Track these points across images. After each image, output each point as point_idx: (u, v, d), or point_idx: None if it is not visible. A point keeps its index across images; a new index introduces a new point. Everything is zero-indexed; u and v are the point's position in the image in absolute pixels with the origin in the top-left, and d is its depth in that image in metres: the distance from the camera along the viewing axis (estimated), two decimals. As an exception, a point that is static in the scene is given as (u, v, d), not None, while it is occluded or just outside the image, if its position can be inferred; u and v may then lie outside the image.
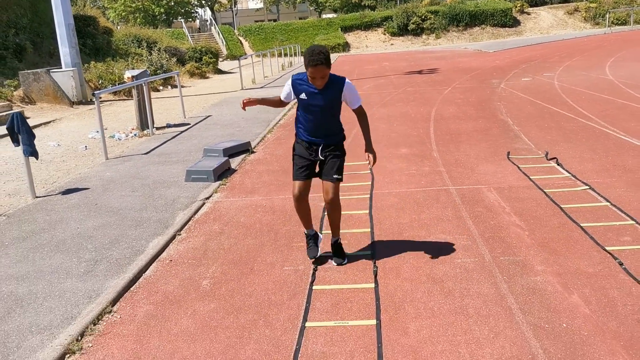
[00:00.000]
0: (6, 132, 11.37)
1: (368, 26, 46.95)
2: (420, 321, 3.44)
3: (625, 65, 18.06)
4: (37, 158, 6.74)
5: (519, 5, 48.30)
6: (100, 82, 17.62)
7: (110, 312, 3.83)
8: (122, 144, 9.95)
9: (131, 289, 4.19)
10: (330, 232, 4.40)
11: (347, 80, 4.02)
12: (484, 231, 4.82)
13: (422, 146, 8.20)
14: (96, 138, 10.69)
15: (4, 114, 12.95)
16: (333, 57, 36.15)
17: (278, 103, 4.29)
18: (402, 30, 45.73)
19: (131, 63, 20.43)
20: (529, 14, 49.04)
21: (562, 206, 5.28)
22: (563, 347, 3.07)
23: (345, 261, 4.29)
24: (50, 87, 14.99)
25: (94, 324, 3.64)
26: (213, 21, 48.29)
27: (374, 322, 3.47)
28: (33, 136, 6.63)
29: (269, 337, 3.37)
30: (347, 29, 46.69)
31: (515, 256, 4.28)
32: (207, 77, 25.04)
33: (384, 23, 46.54)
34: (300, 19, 58.41)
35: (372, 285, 3.95)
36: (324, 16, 58.07)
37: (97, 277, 4.33)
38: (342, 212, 4.29)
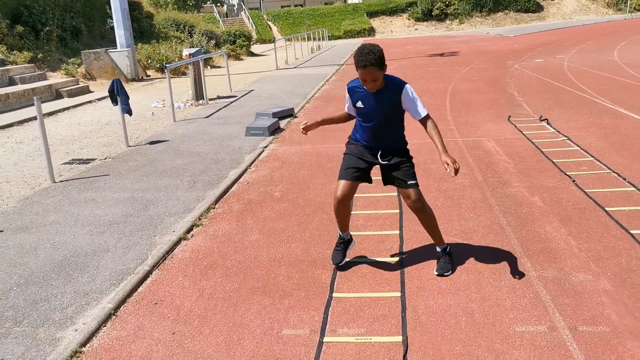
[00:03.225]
0: (84, 101, 13.30)
1: (393, 12, 48.15)
2: (428, 211, 5.10)
3: (633, 48, 19.28)
4: (130, 115, 8.50)
5: (542, -10, 48.93)
6: (149, 61, 19.46)
7: (214, 207, 5.57)
8: (182, 111, 11.70)
9: (224, 197, 5.92)
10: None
11: (407, 85, 3.59)
12: (480, 164, 6.45)
13: (438, 112, 9.80)
14: (158, 107, 12.48)
15: (74, 87, 14.85)
16: (358, 42, 37.56)
17: (345, 118, 3.95)
18: (426, 16, 46.83)
19: (173, 45, 22.23)
20: (552, -1, 49.67)
21: (542, 150, 6.87)
22: (520, 220, 4.71)
23: (450, 273, 3.85)
24: (108, 65, 16.84)
25: (206, 212, 5.38)
26: (243, 6, 49.93)
27: (397, 211, 5.14)
28: (128, 97, 8.37)
29: (328, 218, 5.06)
30: (372, 14, 47.95)
31: (500, 178, 5.91)
32: (241, 59, 26.76)
33: (409, 9, 47.67)
34: (326, 4, 59.66)
35: (396, 194, 5.62)
36: (349, 1, 59.25)
37: (198, 190, 6.08)
38: None
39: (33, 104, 12.87)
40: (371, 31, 45.50)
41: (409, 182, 3.72)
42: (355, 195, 4.03)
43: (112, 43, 20.31)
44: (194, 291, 3.85)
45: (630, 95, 10.25)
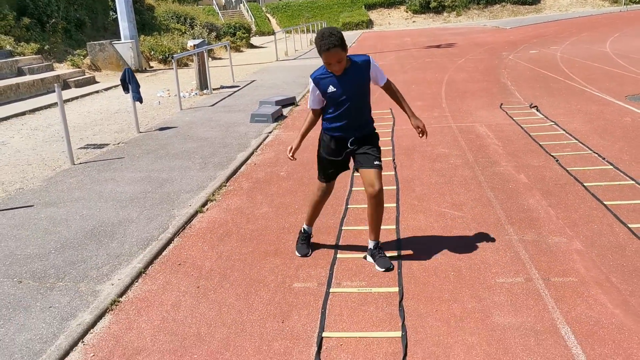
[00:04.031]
0: (92, 90, 13.72)
1: (391, 4, 48.40)
2: (422, 187, 5.57)
3: (625, 39, 19.74)
4: (141, 102, 8.94)
5: (539, -17, 49.18)
6: (152, 53, 19.84)
7: (226, 185, 6.03)
8: (187, 100, 12.13)
9: (234, 176, 6.38)
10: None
11: (371, 58, 3.69)
12: (472, 147, 6.91)
13: (434, 100, 10.25)
14: (164, 96, 12.91)
15: (80, 78, 15.26)
16: (356, 33, 37.91)
17: (314, 119, 3.93)
18: (424, 8, 47.10)
19: (175, 38, 22.60)
20: (549, -9, 49.92)
21: (530, 134, 7.34)
22: (506, 194, 5.19)
23: (392, 266, 3.90)
24: (113, 57, 17.24)
25: (219, 190, 5.84)
26: (241, -2, 50.16)
27: (394, 187, 5.61)
28: (139, 86, 8.81)
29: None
30: (370, 6, 48.23)
31: (489, 158, 6.37)
32: (242, 51, 27.12)
33: (407, 1, 47.93)
34: (324, -4, 59.83)
35: (393, 172, 6.08)
36: (347, -6, 59.33)
37: (209, 170, 6.54)
38: None
39: (42, 94, 13.35)
40: (369, 23, 45.81)
41: (374, 162, 3.71)
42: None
43: (114, 35, 20.68)
44: (213, 254, 4.32)
45: (617, 83, 10.72)
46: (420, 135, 3.82)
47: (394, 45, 24.83)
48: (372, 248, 3.97)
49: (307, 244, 4.23)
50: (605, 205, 4.75)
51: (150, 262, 4.20)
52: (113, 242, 4.56)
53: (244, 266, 4.07)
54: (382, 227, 4.56)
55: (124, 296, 3.73)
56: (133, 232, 4.75)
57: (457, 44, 23.12)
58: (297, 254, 4.18)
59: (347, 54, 3.59)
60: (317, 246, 4.34)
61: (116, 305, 3.61)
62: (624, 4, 43.63)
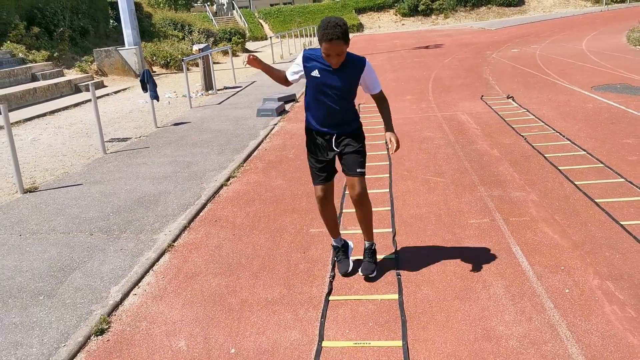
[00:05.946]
0: (102, 94, 14.66)
1: (380, 8, 49.67)
2: (411, 162, 6.61)
3: (601, 37, 20.94)
4: (158, 100, 9.94)
5: (524, -15, 50.55)
6: (153, 58, 20.83)
7: (243, 166, 7.05)
8: (194, 100, 13.12)
9: (249, 159, 7.40)
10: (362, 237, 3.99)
11: (367, 61, 3.53)
12: (454, 131, 7.97)
13: (422, 94, 11.32)
14: (172, 97, 13.91)
15: (88, 82, 16.21)
16: (348, 36, 39.00)
17: (282, 79, 3.79)
18: (413, 11, 48.39)
19: (175, 44, 23.60)
20: (533, -7, 51.29)
21: (505, 119, 8.41)
22: (480, 165, 6.24)
23: (374, 274, 3.84)
24: (119, 62, 18.22)
25: (237, 169, 6.86)
26: (235, 5, 51.25)
27: (387, 163, 6.64)
28: (156, 85, 9.81)
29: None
30: (360, 10, 49.47)
31: (468, 139, 7.43)
32: (238, 55, 28.10)
33: (396, 4, 49.21)
34: (314, 1, 61.11)
35: (385, 152, 7.12)
36: (337, -2, 60.55)
37: (227, 154, 7.55)
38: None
39: (57, 97, 14.35)
40: (359, 27, 47.00)
41: (357, 170, 3.60)
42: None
43: (116, 42, 21.66)
44: (242, 213, 5.33)
45: (586, 76, 11.84)
46: (389, 145, 3.59)
47: (384, 47, 25.94)
48: (366, 248, 3.93)
49: (345, 257, 4.00)
50: (559, 169, 5.81)
51: (192, 220, 5.21)
52: (158, 207, 5.56)
53: (269, 220, 5.09)
54: (379, 190, 5.62)
55: (176, 242, 4.74)
56: (173, 199, 5.76)
57: (444, 44, 24.25)
58: (339, 272, 3.96)
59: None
60: (326, 205, 5.36)
61: (171, 247, 4.61)
62: (605, 3, 45.05)
